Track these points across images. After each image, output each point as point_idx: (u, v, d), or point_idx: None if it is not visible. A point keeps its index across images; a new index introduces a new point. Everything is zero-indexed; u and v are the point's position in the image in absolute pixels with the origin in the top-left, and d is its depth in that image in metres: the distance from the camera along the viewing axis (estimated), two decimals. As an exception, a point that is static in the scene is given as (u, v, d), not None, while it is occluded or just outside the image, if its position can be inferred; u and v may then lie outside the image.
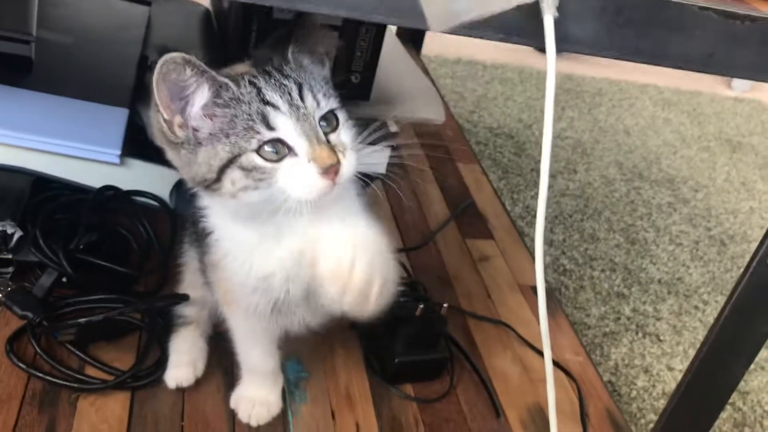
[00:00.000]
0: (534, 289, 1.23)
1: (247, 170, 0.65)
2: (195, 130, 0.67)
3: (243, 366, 0.89)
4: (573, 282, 1.65)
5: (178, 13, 1.49)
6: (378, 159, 1.10)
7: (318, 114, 0.67)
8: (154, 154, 1.07)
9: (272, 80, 0.67)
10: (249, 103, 0.66)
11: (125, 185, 1.07)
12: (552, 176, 2.04)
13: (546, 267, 1.47)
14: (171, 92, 0.64)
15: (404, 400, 0.96)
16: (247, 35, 1.30)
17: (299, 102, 0.67)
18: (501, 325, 1.12)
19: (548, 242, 1.76)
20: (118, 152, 1.04)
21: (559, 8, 0.55)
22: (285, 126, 0.65)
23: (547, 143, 0.59)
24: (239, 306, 0.80)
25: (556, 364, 1.08)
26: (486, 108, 2.35)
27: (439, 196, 1.40)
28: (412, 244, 1.25)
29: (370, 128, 0.74)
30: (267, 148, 0.65)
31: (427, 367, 0.98)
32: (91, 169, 1.04)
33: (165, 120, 0.66)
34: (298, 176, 0.66)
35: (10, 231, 0.94)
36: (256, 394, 0.88)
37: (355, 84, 1.37)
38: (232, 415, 0.88)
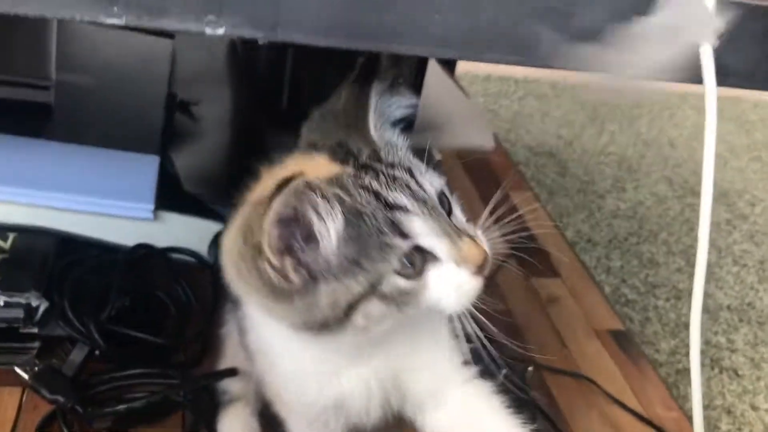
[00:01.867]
0: (612, 333, 1.11)
1: (390, 298, 0.51)
2: (308, 268, 0.51)
3: None
4: (637, 313, 1.53)
5: (203, 46, 1.39)
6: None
7: (436, 199, 0.54)
8: (190, 206, 0.99)
9: (381, 176, 0.53)
10: (374, 215, 0.51)
11: (160, 242, 0.96)
12: (600, 196, 1.92)
13: (612, 302, 1.34)
14: (286, 232, 0.50)
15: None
16: (281, 72, 1.20)
17: (422, 192, 0.53)
18: (583, 380, 1.00)
19: (605, 270, 1.64)
20: (152, 206, 0.94)
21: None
22: (421, 228, 0.52)
23: (707, 206, 0.48)
24: (300, 417, 0.68)
25: (649, 422, 0.96)
26: (522, 125, 2.23)
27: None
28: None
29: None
30: (404, 262, 0.51)
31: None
32: (121, 227, 0.94)
33: (273, 266, 0.50)
34: (451, 286, 0.52)
35: (34, 303, 0.84)
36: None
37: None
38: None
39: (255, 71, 1.26)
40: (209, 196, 1.00)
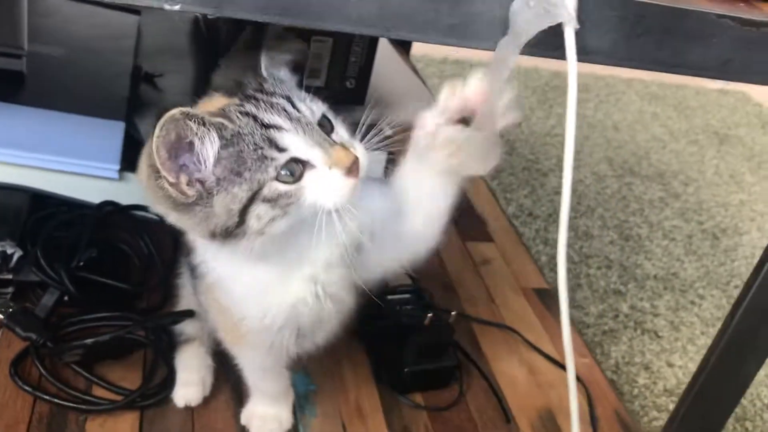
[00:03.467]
0: (537, 291, 1.23)
1: (273, 200, 0.62)
2: (200, 181, 0.62)
3: (252, 388, 0.88)
4: (570, 280, 1.65)
5: (168, 21, 1.47)
6: (375, 164, 1.09)
7: (315, 120, 0.65)
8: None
9: (261, 103, 0.64)
10: (252, 134, 0.62)
11: (124, 200, 1.05)
12: (544, 174, 2.04)
13: (542, 267, 1.46)
14: (173, 152, 0.60)
15: (414, 410, 0.95)
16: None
17: (297, 114, 0.64)
18: (506, 330, 1.12)
19: (543, 241, 1.76)
20: (117, 167, 1.03)
21: (579, 19, 0.54)
22: (294, 142, 0.63)
23: (569, 163, 0.59)
24: (253, 346, 0.78)
25: (563, 367, 1.08)
26: (475, 107, 2.34)
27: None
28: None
29: (369, 134, 0.72)
30: (283, 172, 0.62)
31: (437, 375, 0.98)
32: (89, 185, 1.03)
33: (171, 183, 0.61)
34: (325, 186, 0.63)
35: (9, 251, 0.93)
36: (267, 411, 0.87)
37: (350, 89, 1.36)
38: (244, 431, 0.87)
39: (215, 47, 1.35)
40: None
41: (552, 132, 2.30)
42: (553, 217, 1.87)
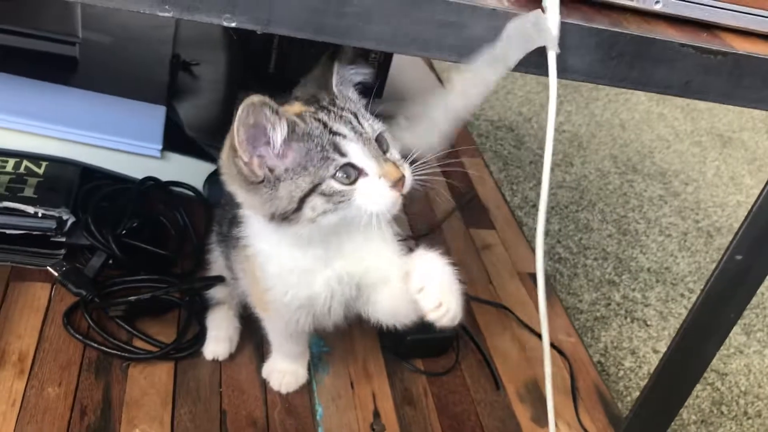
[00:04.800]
0: (532, 276, 1.34)
1: (328, 195, 0.73)
2: (270, 168, 0.73)
3: (274, 347, 1.00)
4: (567, 269, 1.77)
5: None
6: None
7: (373, 137, 0.77)
8: (190, 148, 1.20)
9: (332, 114, 0.76)
10: (320, 136, 0.73)
11: (164, 176, 1.17)
12: (550, 168, 2.14)
13: (532, 248, 1.56)
14: (250, 134, 0.71)
15: (414, 374, 1.07)
16: (269, 43, 1.41)
17: (361, 129, 0.76)
18: (501, 309, 1.23)
19: (545, 232, 1.87)
20: (159, 147, 1.15)
21: (560, 44, 0.65)
22: (354, 151, 0.74)
23: (548, 157, 0.70)
24: (276, 315, 0.91)
25: (551, 344, 1.19)
26: (487, 101, 2.45)
27: (444, 189, 1.51)
28: (420, 232, 1.36)
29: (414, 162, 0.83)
30: (340, 174, 0.73)
31: (436, 345, 1.10)
32: (133, 162, 1.15)
33: (245, 162, 0.72)
34: (372, 193, 0.74)
35: (65, 217, 1.05)
36: (286, 367, 0.99)
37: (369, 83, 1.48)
38: (264, 383, 0.99)
39: (248, 40, 1.47)
40: (206, 141, 1.22)
41: (560, 128, 2.40)
42: (556, 209, 1.98)
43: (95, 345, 0.97)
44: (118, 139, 1.14)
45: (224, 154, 0.75)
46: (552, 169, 2.14)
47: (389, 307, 0.86)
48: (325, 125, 0.75)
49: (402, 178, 0.75)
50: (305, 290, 0.84)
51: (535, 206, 1.96)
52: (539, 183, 2.10)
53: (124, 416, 0.90)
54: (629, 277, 1.80)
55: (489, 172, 1.63)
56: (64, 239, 1.06)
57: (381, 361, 1.08)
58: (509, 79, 2.63)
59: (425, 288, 0.76)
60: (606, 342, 1.59)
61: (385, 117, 0.82)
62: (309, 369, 1.02)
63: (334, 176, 0.74)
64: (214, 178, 1.17)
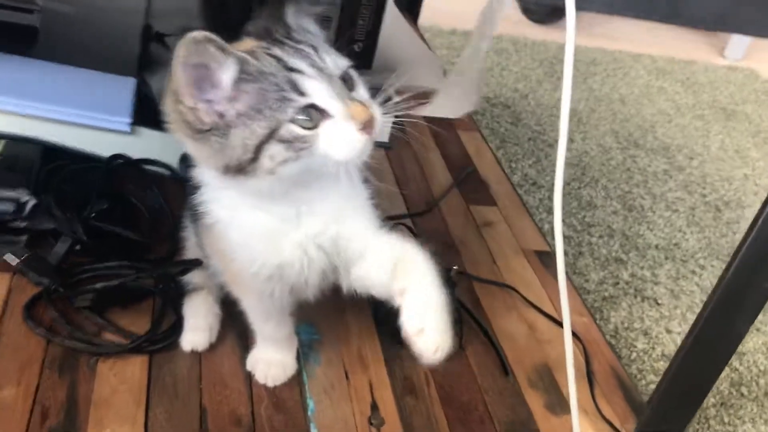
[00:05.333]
0: (537, 253, 1.25)
1: (288, 141, 0.64)
2: (220, 114, 0.65)
3: (258, 334, 0.90)
4: (572, 248, 1.68)
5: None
6: (381, 128, 1.12)
7: (338, 74, 0.67)
8: (163, 123, 1.10)
9: (288, 48, 0.67)
10: (275, 74, 0.64)
11: (135, 154, 1.08)
12: (549, 145, 2.05)
13: (545, 233, 1.48)
14: (193, 76, 0.62)
15: (415, 360, 0.97)
16: (248, 13, 1.30)
17: (321, 64, 0.66)
18: (506, 288, 1.14)
19: (547, 209, 1.78)
20: (129, 120, 1.05)
21: (579, -32, 0.56)
22: (316, 90, 0.65)
23: (565, 118, 0.61)
24: (251, 291, 0.81)
25: (560, 324, 1.10)
26: (481, 78, 2.35)
27: (441, 164, 1.42)
28: (417, 210, 1.26)
29: (378, 99, 0.75)
30: (300, 116, 0.64)
31: (437, 328, 1.00)
32: (101, 138, 1.05)
33: (189, 108, 0.64)
34: (338, 137, 0.65)
35: (24, 199, 0.95)
36: (272, 357, 0.90)
37: (357, 52, 1.38)
38: (249, 376, 0.90)
39: (225, 8, 1.37)
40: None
41: (558, 104, 2.29)
42: (557, 186, 1.88)
43: (59, 340, 0.88)
44: (83, 113, 1.04)
45: (167, 100, 0.66)
46: (552, 146, 2.06)
47: (365, 283, 0.78)
48: (279, 60, 0.65)
49: (372, 119, 0.66)
50: (274, 257, 0.75)
51: (536, 183, 1.87)
52: (538, 160, 2.02)
53: (92, 417, 0.81)
54: (637, 254, 1.71)
55: (488, 147, 1.53)
56: (24, 224, 0.96)
57: (378, 346, 0.98)
58: (503, 56, 2.53)
59: (425, 331, 0.70)
60: (616, 323, 1.50)
61: (374, 89, 0.73)
62: (298, 359, 0.93)
63: (293, 120, 0.64)
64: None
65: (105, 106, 1.05)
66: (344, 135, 0.66)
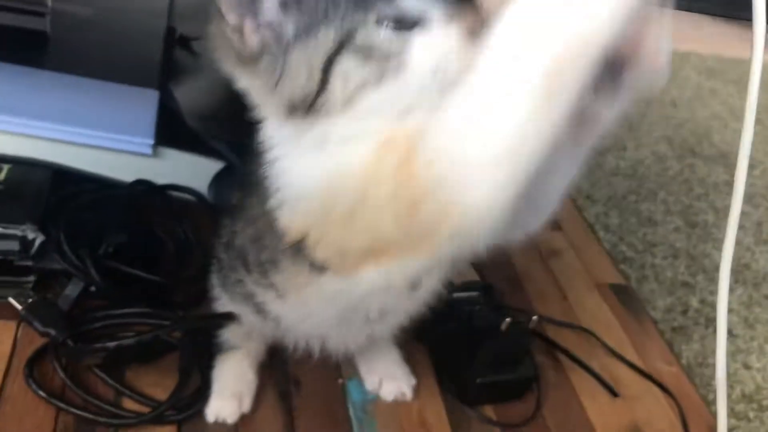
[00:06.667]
0: (613, 287, 1.11)
1: (366, 52, 0.50)
2: (273, 29, 0.52)
3: None
4: (634, 271, 1.52)
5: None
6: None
7: None
8: (191, 143, 0.96)
9: None
10: None
11: (159, 179, 0.94)
12: (601, 155, 1.90)
13: (617, 260, 1.34)
14: None
15: (486, 425, 0.83)
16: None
17: None
18: (583, 332, 1.00)
19: (604, 227, 1.62)
20: (151, 141, 0.91)
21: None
22: None
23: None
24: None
25: (648, 376, 0.96)
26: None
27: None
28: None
29: None
30: (384, 17, 0.49)
31: (511, 387, 0.86)
32: (120, 162, 0.92)
33: (233, 26, 0.52)
34: (439, 50, 0.50)
35: (30, 236, 0.82)
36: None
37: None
38: (294, 449, 0.76)
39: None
40: (210, 132, 0.98)
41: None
42: (613, 200, 1.73)
43: (67, 406, 0.74)
44: (98, 134, 0.91)
45: (212, 24, 0.54)
46: (603, 155, 1.90)
47: None
48: None
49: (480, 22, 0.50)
50: None
51: (590, 197, 1.71)
52: (591, 171, 1.87)
53: (110, 504, 0.67)
54: (704, 277, 1.55)
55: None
56: (31, 263, 0.83)
57: (441, 410, 0.84)
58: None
59: None
60: (688, 358, 1.34)
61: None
62: (350, 425, 0.79)
63: (376, 21, 0.49)
64: (222, 179, 0.94)
65: (124, 125, 0.91)
66: (447, 46, 0.50)
